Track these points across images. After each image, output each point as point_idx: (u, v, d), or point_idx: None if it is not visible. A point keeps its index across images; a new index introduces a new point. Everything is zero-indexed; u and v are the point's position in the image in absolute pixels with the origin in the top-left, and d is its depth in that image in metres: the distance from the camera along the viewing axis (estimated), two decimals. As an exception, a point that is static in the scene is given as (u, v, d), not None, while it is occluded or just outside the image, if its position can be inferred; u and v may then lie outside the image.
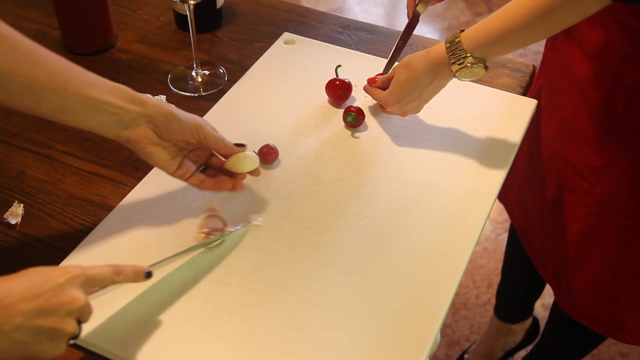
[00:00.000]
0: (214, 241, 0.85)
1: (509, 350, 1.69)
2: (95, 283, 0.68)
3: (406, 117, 1.04)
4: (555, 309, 1.42)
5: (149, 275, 0.73)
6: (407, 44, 1.08)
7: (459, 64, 0.90)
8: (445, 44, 0.91)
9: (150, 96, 0.85)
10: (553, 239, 1.22)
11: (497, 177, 0.96)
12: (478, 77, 0.92)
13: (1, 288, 0.62)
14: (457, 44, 0.90)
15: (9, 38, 0.73)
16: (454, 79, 0.93)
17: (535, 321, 1.70)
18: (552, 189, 1.16)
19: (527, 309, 1.64)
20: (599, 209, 1.09)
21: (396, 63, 1.07)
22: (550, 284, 1.30)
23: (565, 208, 1.15)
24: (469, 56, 0.89)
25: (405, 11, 1.09)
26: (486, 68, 0.91)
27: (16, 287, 0.62)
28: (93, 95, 0.76)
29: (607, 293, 1.18)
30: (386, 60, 1.08)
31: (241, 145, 0.87)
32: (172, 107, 0.83)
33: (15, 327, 0.61)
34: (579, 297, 1.22)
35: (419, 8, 1.05)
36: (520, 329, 1.66)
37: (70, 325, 0.65)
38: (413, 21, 1.05)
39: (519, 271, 1.54)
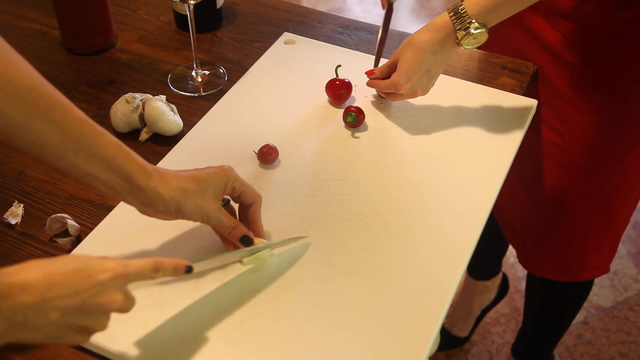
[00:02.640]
0: (259, 250, 0.83)
1: (485, 307, 1.76)
2: (135, 280, 0.66)
3: (406, 117, 1.04)
4: (530, 287, 1.49)
5: (189, 270, 0.70)
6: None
7: (464, 30, 0.94)
8: (448, 13, 0.95)
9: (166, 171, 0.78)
10: (520, 199, 1.28)
11: (497, 177, 0.96)
12: (481, 43, 0.96)
13: (44, 280, 0.59)
14: (461, 11, 0.94)
15: (33, 91, 0.69)
16: (456, 53, 0.98)
17: (505, 276, 1.77)
18: (520, 149, 1.20)
19: (498, 265, 1.71)
20: (567, 158, 1.15)
21: (383, 60, 1.07)
22: (515, 246, 1.38)
23: (532, 165, 1.20)
24: (474, 22, 0.93)
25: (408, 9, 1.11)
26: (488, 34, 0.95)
27: (59, 280, 0.60)
28: (100, 172, 0.73)
29: (575, 240, 1.25)
30: (384, 60, 1.08)
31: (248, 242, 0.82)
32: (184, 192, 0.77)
33: (50, 323, 0.60)
34: (546, 252, 1.29)
35: None
36: (493, 285, 1.73)
37: (102, 325, 0.64)
38: (388, 11, 1.08)
39: (489, 231, 1.58)
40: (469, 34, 0.94)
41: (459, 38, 0.95)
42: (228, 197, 0.84)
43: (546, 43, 1.10)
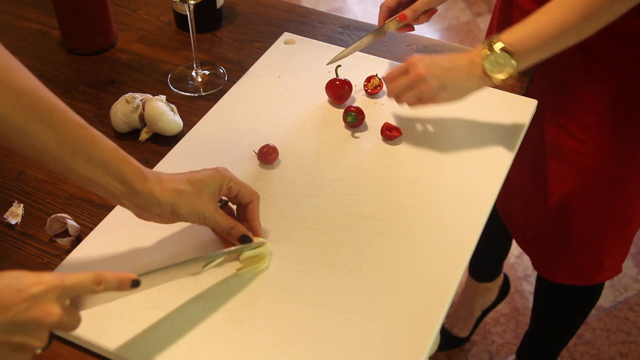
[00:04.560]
0: (216, 259, 0.81)
1: (486, 308, 1.76)
2: (73, 293, 0.62)
3: (405, 117, 1.05)
4: (539, 292, 1.49)
5: (135, 284, 0.66)
6: (406, 44, 1.08)
7: (488, 48, 0.90)
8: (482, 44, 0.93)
9: (163, 175, 0.78)
10: (534, 206, 1.27)
11: (497, 177, 0.96)
12: (509, 74, 0.91)
13: None
14: (493, 38, 0.91)
15: (32, 95, 0.69)
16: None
17: (506, 277, 1.78)
18: (537, 155, 1.21)
19: (499, 266, 1.72)
20: (588, 165, 1.14)
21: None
22: (528, 252, 1.37)
23: (549, 171, 1.19)
24: (500, 43, 0.90)
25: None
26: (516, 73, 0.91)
27: None
28: (98, 175, 0.73)
29: (594, 244, 1.25)
30: (388, 61, 1.08)
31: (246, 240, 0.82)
32: (179, 194, 0.77)
33: None
34: (563, 257, 1.28)
35: (390, 24, 1.07)
36: (495, 287, 1.74)
37: (39, 341, 0.61)
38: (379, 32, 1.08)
39: (492, 233, 1.59)
40: (492, 52, 0.90)
41: (483, 57, 0.91)
42: (226, 198, 0.84)
43: (569, 50, 1.09)
